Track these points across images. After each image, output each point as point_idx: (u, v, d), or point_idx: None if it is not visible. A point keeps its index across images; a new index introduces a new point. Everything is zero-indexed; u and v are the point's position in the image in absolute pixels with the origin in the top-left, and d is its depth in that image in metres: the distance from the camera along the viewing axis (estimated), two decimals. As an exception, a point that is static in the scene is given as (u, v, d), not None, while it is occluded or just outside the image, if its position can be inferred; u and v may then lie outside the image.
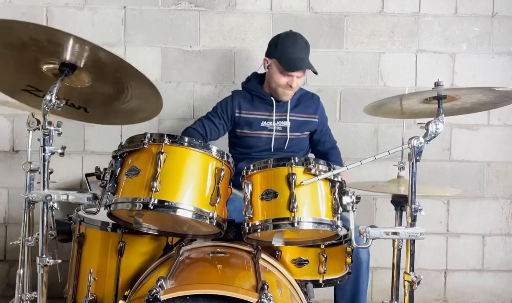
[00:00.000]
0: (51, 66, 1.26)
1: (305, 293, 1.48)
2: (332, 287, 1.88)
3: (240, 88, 2.22)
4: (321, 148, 2.24)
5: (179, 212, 1.21)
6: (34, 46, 1.17)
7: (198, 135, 2.07)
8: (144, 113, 1.50)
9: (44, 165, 1.27)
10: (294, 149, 2.14)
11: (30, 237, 1.34)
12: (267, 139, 2.10)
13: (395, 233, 1.26)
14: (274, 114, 2.09)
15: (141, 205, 1.19)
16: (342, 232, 1.29)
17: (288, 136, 2.10)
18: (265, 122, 2.10)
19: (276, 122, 2.09)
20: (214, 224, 1.27)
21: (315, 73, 2.02)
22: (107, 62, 1.23)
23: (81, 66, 1.25)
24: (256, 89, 2.13)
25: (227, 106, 2.12)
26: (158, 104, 1.40)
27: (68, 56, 1.20)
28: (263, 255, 1.42)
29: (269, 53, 2.06)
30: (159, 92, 1.30)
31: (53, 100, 1.22)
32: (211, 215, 1.25)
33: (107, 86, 1.36)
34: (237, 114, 2.11)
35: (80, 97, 1.43)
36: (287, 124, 2.10)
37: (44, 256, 1.27)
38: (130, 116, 1.55)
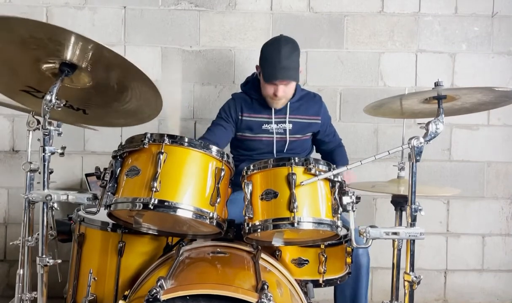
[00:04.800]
0: (51, 65, 1.25)
1: (305, 293, 1.48)
2: (332, 287, 1.88)
3: (239, 90, 2.21)
4: (326, 148, 2.22)
5: (179, 212, 1.21)
6: (35, 44, 1.16)
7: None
8: (144, 114, 1.50)
9: (44, 165, 1.27)
10: (296, 151, 2.12)
11: (30, 237, 1.33)
12: (268, 141, 2.09)
13: (395, 233, 1.26)
14: (273, 116, 2.08)
15: (141, 205, 1.19)
16: (342, 232, 1.29)
17: (288, 139, 2.08)
18: (266, 125, 2.08)
19: (276, 125, 2.08)
20: (214, 224, 1.27)
21: (296, 80, 1.97)
22: (108, 61, 1.22)
23: (82, 65, 1.25)
24: (254, 93, 2.10)
25: (230, 109, 2.10)
26: (158, 105, 1.39)
27: (69, 55, 1.20)
28: (263, 255, 1.42)
29: (259, 61, 2.03)
30: (159, 93, 1.30)
31: (53, 100, 1.22)
32: (211, 215, 1.25)
33: (107, 87, 1.36)
34: (239, 117, 2.09)
35: (79, 98, 1.43)
36: (288, 126, 2.08)
37: (44, 256, 1.27)
38: (130, 117, 1.54)
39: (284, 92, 1.99)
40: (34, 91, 1.38)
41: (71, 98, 1.41)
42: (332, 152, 2.20)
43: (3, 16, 1.04)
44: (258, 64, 2.05)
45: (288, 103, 2.09)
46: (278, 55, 1.92)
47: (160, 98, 1.34)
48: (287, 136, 2.08)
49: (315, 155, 2.29)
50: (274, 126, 2.07)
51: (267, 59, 1.97)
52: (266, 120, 2.09)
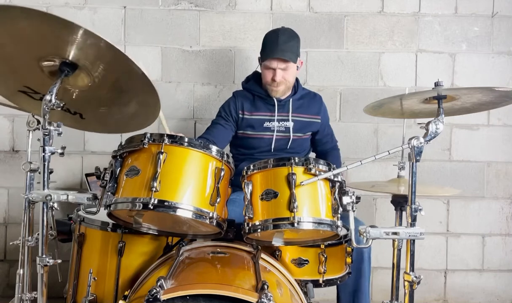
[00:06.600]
0: (51, 63, 1.25)
1: (305, 293, 1.48)
2: (332, 287, 1.88)
3: (241, 88, 2.21)
4: (322, 149, 2.23)
5: (179, 212, 1.21)
6: (37, 39, 1.15)
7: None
8: (142, 118, 1.47)
9: (44, 165, 1.26)
10: (296, 149, 2.13)
11: (30, 237, 1.34)
12: (270, 139, 2.09)
13: (395, 233, 1.26)
14: (276, 114, 2.08)
15: (141, 205, 1.19)
16: (342, 232, 1.29)
17: (291, 137, 2.09)
18: (268, 122, 2.08)
19: (278, 123, 2.08)
20: (214, 224, 1.27)
21: (292, 61, 1.99)
22: (109, 61, 1.22)
23: (82, 65, 1.24)
24: (256, 89, 2.12)
25: (230, 107, 2.11)
26: (156, 109, 1.38)
27: (71, 53, 1.18)
28: (263, 255, 1.42)
29: (260, 52, 2.08)
30: (158, 95, 1.29)
31: (53, 100, 1.21)
32: (211, 215, 1.25)
33: (106, 89, 1.35)
34: (240, 115, 2.10)
35: (77, 102, 1.41)
36: (290, 124, 2.09)
37: (44, 256, 1.27)
38: (127, 122, 1.52)
39: (282, 77, 2.00)
40: (31, 92, 1.37)
41: (69, 101, 1.39)
42: (326, 154, 2.20)
43: (8, 4, 1.03)
44: (259, 55, 2.08)
45: (291, 100, 2.09)
46: (276, 38, 1.99)
47: (158, 101, 1.32)
48: (291, 134, 2.08)
49: (312, 155, 2.29)
50: (276, 124, 2.08)
51: (265, 44, 2.03)
52: (268, 117, 2.09)
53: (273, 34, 2.05)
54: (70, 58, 1.21)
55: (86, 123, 1.54)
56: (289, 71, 2.01)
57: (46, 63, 1.25)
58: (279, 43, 1.97)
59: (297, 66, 2.07)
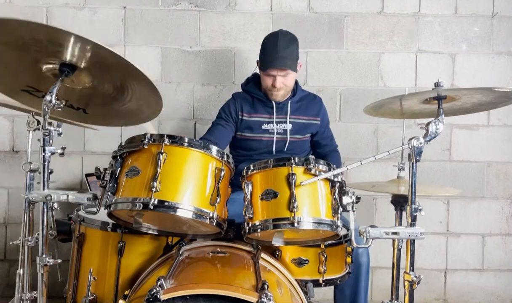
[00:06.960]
0: (51, 66, 1.25)
1: (305, 293, 1.48)
2: (332, 287, 1.89)
3: (240, 90, 2.21)
4: (321, 151, 2.23)
5: (179, 212, 1.21)
6: (35, 45, 1.16)
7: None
8: (144, 114, 1.49)
9: (44, 165, 1.27)
10: (295, 151, 2.13)
11: (30, 237, 1.33)
12: (268, 141, 2.09)
13: (395, 233, 1.27)
14: (274, 116, 2.08)
15: (141, 205, 1.19)
16: (342, 232, 1.29)
17: (288, 139, 2.09)
18: (266, 124, 2.09)
19: (277, 125, 2.08)
20: (214, 224, 1.27)
21: (293, 70, 1.99)
22: (108, 62, 1.22)
23: (82, 66, 1.25)
24: (255, 91, 2.12)
25: (230, 108, 2.11)
26: (158, 105, 1.38)
27: (68, 56, 1.19)
28: (263, 255, 1.42)
29: (259, 54, 2.07)
30: (159, 93, 1.30)
31: (53, 101, 1.22)
32: (211, 215, 1.25)
33: (107, 87, 1.36)
34: (240, 117, 2.10)
35: (79, 98, 1.42)
36: (288, 126, 2.09)
37: (44, 256, 1.27)
38: (130, 117, 1.54)
39: (282, 84, 2.00)
40: (34, 90, 1.38)
41: (71, 97, 1.40)
42: (326, 156, 2.20)
43: (3, 18, 1.04)
44: (258, 59, 2.08)
45: (289, 103, 2.09)
46: (275, 45, 1.97)
47: (160, 98, 1.33)
48: (288, 136, 2.09)
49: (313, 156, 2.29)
50: (274, 126, 2.08)
51: (265, 50, 2.02)
52: (267, 120, 2.09)
53: (272, 39, 2.02)
54: (68, 59, 1.21)
55: (89, 117, 1.55)
56: (289, 76, 2.01)
57: (46, 66, 1.26)
58: (278, 50, 1.95)
59: (296, 69, 2.07)
